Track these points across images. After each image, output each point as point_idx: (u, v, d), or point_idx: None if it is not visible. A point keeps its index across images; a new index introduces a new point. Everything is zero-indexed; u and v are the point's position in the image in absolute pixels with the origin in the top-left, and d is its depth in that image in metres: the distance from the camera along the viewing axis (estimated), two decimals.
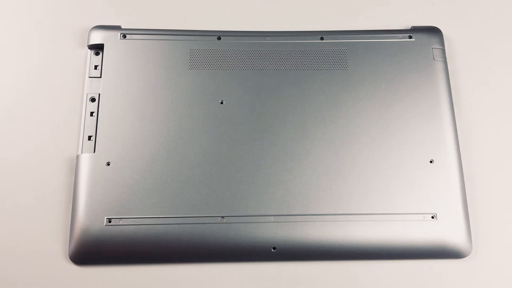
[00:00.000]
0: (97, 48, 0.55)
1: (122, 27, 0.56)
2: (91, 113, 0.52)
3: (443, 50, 0.56)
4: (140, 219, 0.48)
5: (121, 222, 0.48)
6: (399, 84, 0.54)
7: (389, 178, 0.51)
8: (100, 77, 0.54)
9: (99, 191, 0.49)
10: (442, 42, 0.57)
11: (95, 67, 0.54)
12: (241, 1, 0.60)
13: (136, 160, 0.50)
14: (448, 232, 0.49)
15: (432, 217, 0.50)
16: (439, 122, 0.53)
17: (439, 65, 0.55)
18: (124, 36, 0.55)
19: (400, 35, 0.57)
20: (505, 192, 0.53)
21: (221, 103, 0.53)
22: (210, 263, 0.49)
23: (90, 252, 0.48)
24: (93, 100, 0.53)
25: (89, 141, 0.51)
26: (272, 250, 0.49)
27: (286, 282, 0.49)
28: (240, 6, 0.60)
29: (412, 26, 0.58)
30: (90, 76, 0.54)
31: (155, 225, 0.48)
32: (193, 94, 0.53)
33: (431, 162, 0.52)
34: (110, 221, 0.48)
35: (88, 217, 0.48)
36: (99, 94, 0.53)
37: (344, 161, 0.51)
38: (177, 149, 0.51)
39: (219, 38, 0.56)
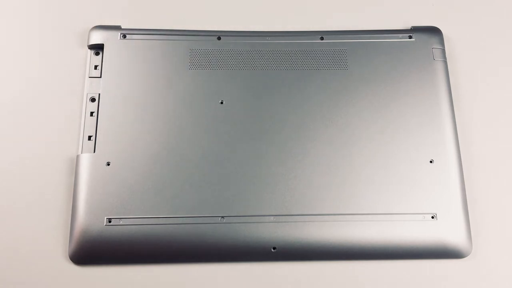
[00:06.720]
0: (97, 48, 0.55)
1: (122, 27, 0.56)
2: (91, 113, 0.52)
3: (443, 50, 0.56)
4: (140, 219, 0.49)
5: (121, 222, 0.48)
6: (399, 84, 0.54)
7: (389, 178, 0.51)
8: (100, 77, 0.54)
9: (99, 191, 0.49)
10: (442, 42, 0.57)
11: (95, 67, 0.54)
12: (241, 1, 0.60)
13: (136, 160, 0.50)
14: (448, 232, 0.49)
15: (432, 217, 0.50)
16: (439, 122, 0.53)
17: (439, 65, 0.55)
18: (124, 36, 0.55)
19: (400, 35, 0.57)
20: (505, 192, 0.53)
21: (221, 103, 0.53)
22: (210, 263, 0.49)
23: (90, 252, 0.48)
24: (93, 100, 0.53)
25: (89, 141, 0.51)
26: (272, 250, 0.49)
27: (286, 282, 0.49)
28: (240, 6, 0.60)
29: (412, 26, 0.58)
30: (90, 76, 0.54)
31: (155, 225, 0.48)
32: (193, 94, 0.53)
33: (431, 162, 0.52)
34: (110, 221, 0.48)
35: (88, 217, 0.48)
36: (99, 94, 0.53)
37: (344, 161, 0.51)
38: (177, 149, 0.51)
39: (219, 38, 0.56)
